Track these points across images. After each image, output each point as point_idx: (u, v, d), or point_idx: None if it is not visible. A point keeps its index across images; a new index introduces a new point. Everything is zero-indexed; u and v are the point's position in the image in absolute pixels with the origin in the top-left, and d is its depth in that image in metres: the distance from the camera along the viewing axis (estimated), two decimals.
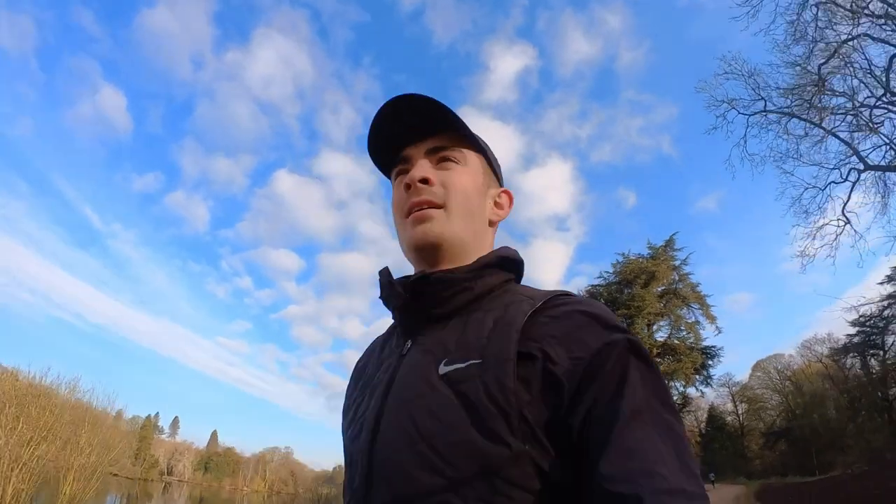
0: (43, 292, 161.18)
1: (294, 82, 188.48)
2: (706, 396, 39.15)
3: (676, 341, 31.71)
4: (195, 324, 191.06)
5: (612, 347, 0.64)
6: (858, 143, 14.78)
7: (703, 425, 48.35)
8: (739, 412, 50.43)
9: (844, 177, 15.25)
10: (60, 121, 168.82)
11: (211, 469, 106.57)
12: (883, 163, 14.72)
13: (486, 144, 0.97)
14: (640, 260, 33.72)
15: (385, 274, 0.89)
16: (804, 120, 15.07)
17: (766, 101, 15.54)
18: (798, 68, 14.61)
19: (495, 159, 1.00)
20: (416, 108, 0.86)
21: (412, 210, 0.84)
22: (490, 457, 0.61)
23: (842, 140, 15.04)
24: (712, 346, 31.20)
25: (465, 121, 0.88)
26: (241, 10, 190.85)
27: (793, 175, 15.54)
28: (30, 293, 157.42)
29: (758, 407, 47.47)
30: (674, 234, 34.31)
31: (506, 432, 0.61)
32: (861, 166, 14.95)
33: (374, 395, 0.79)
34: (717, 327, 31.36)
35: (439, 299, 0.80)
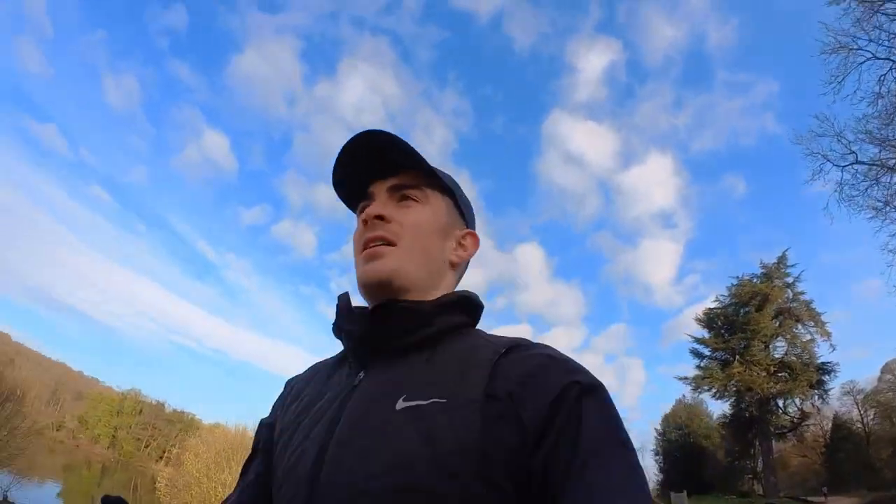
0: (164, 321, 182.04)
1: (384, 107, 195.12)
2: (831, 405, 40.41)
3: (793, 358, 34.42)
4: (309, 344, 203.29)
5: (569, 389, 0.66)
6: None
7: (827, 435, 49.33)
8: (865, 420, 50.61)
9: None
10: (171, 165, 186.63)
11: None
12: None
13: (455, 185, 0.97)
14: (754, 282, 36.93)
15: (344, 298, 0.89)
16: (892, 170, 17.51)
17: (856, 154, 18.05)
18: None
19: (465, 200, 0.99)
20: (379, 145, 0.86)
21: (366, 246, 0.85)
22: (446, 498, 0.61)
23: None
24: (828, 363, 33.72)
25: (437, 164, 0.91)
26: (325, 45, 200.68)
27: (885, 217, 17.82)
28: (152, 322, 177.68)
29: (889, 412, 47.40)
30: (786, 251, 37.35)
31: (466, 474, 0.62)
32: None
33: (317, 424, 0.77)
34: (831, 345, 33.73)
35: (401, 331, 0.79)
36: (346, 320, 0.86)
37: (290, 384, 1.00)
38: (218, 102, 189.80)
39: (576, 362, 0.74)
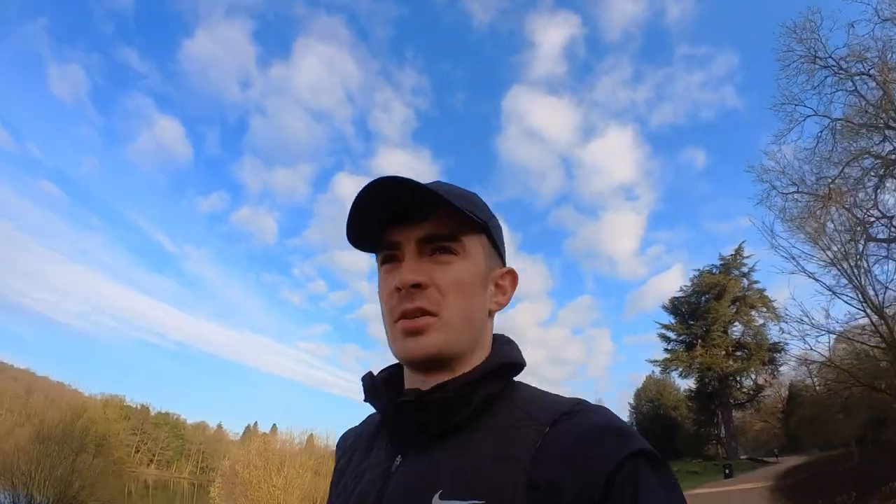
0: (124, 317, 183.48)
1: (342, 87, 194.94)
2: (788, 373, 45.73)
3: (748, 339, 41.00)
4: (275, 332, 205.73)
5: (621, 465, 0.61)
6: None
7: (784, 402, 54.91)
8: (818, 386, 55.69)
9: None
10: (123, 156, 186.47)
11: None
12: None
13: (489, 216, 0.85)
14: (714, 273, 43.29)
15: (368, 380, 0.84)
16: (827, 202, 20.72)
17: (798, 186, 21.45)
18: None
19: (498, 230, 0.89)
20: (404, 193, 0.75)
21: (404, 316, 0.76)
22: None
23: (857, 219, 21.04)
24: (777, 342, 39.53)
25: (466, 199, 0.81)
26: (279, 25, 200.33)
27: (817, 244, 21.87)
28: (112, 319, 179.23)
29: (844, 378, 52.44)
30: (742, 243, 43.70)
31: None
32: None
33: None
34: (780, 328, 39.57)
35: (437, 420, 0.74)
36: (376, 401, 0.82)
37: (341, 447, 0.97)
38: (169, 89, 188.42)
39: (625, 428, 0.67)
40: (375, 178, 0.74)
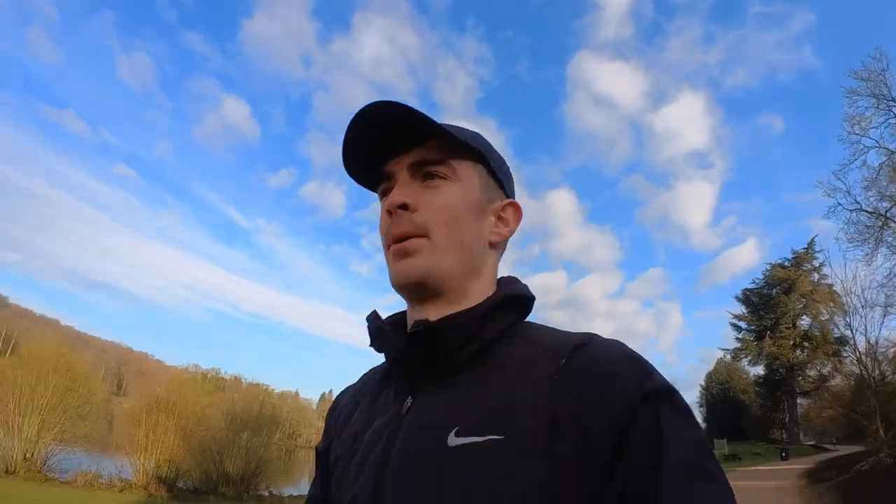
0: (198, 288, 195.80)
1: (404, 59, 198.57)
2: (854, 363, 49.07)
3: (815, 332, 44.43)
4: (344, 302, 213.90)
5: (643, 402, 0.60)
6: None
7: (852, 392, 57.38)
8: (885, 378, 58.06)
9: None
10: (193, 137, 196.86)
11: None
12: None
13: (486, 145, 0.85)
14: (785, 267, 47.05)
15: (374, 319, 0.83)
16: (884, 218, 24.77)
17: (861, 205, 25.28)
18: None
19: (499, 162, 0.87)
20: (391, 117, 0.75)
21: (395, 241, 0.77)
22: None
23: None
24: (843, 336, 42.57)
25: (459, 125, 0.81)
26: (337, 0, 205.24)
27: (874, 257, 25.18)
28: (186, 290, 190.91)
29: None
30: (814, 237, 46.83)
31: None
32: None
33: (368, 457, 0.73)
34: (847, 322, 42.86)
35: (444, 352, 0.73)
36: (383, 343, 0.81)
37: (339, 403, 0.95)
38: (233, 70, 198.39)
39: (646, 363, 0.66)
40: (364, 105, 0.75)
